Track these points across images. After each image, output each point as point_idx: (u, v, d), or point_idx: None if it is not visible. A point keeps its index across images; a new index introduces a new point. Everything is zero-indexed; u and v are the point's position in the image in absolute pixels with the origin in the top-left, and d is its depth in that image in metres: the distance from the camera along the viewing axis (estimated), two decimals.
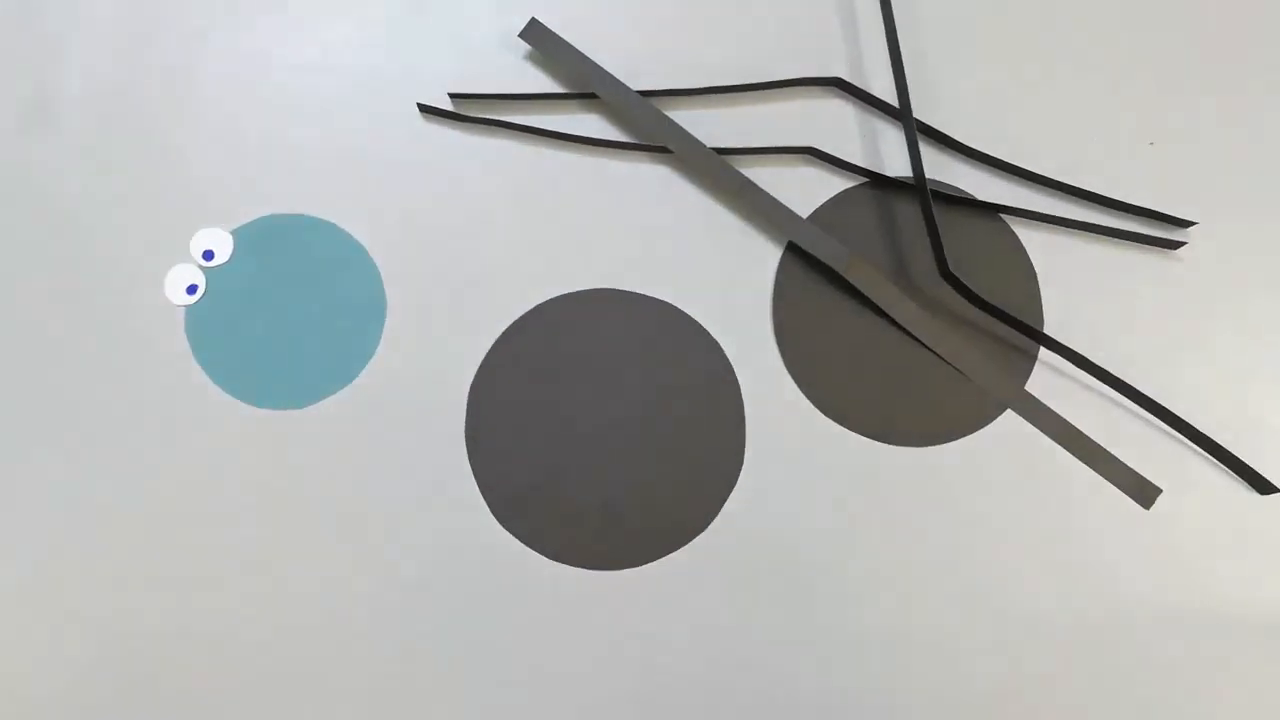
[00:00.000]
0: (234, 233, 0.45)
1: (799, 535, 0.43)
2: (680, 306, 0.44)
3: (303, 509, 0.43)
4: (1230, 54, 0.46)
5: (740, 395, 0.44)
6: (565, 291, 0.45)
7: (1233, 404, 0.44)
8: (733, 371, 0.44)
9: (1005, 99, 0.46)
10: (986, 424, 0.44)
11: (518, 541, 0.43)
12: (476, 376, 0.44)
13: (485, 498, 0.43)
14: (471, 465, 0.43)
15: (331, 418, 0.44)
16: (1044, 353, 0.44)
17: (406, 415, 0.44)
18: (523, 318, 0.44)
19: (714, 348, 0.44)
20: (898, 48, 0.44)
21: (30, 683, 0.42)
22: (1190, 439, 0.43)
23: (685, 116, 0.46)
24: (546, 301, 0.44)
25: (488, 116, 0.45)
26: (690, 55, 0.46)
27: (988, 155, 0.45)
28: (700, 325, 0.44)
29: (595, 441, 0.43)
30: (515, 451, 0.44)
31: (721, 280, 0.45)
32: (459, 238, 0.45)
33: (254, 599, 0.43)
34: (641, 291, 0.45)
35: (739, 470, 0.43)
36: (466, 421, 0.44)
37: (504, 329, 0.44)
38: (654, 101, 0.45)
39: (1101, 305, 0.45)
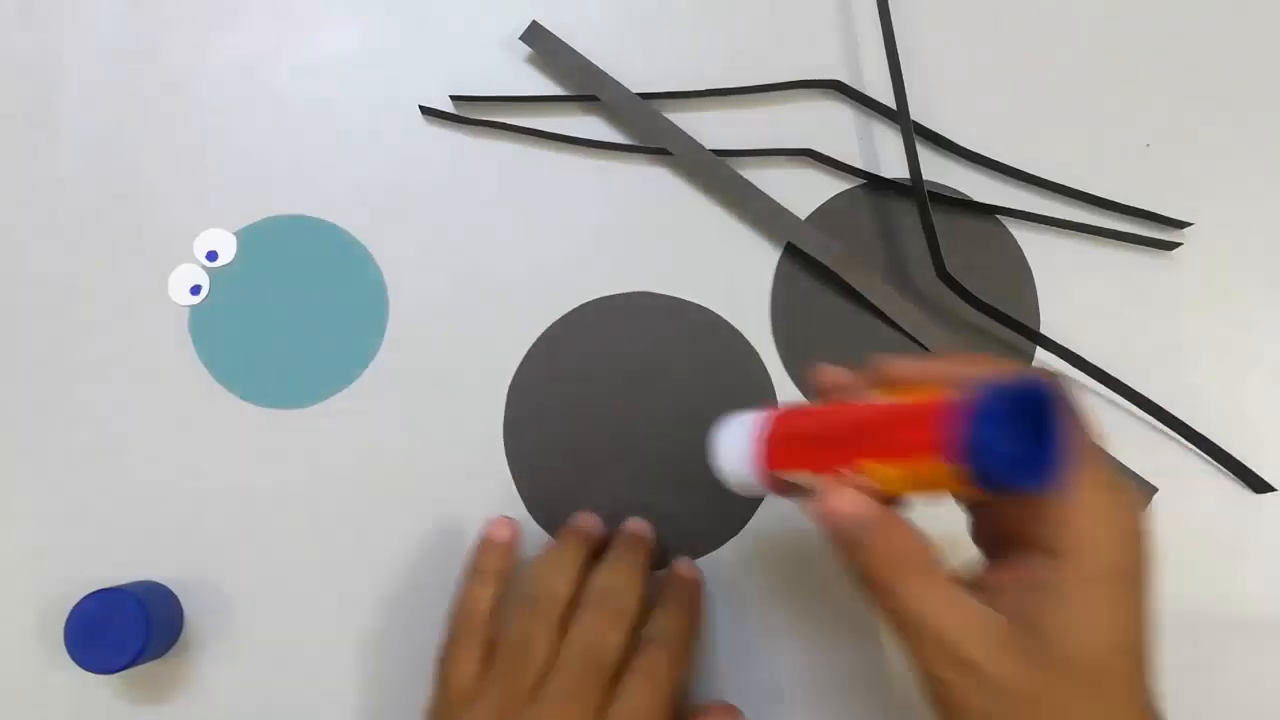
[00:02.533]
0: (237, 233, 0.45)
1: (798, 532, 0.43)
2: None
3: (305, 507, 0.43)
4: (1227, 56, 0.47)
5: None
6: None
7: (1229, 404, 0.44)
8: (767, 373, 0.44)
9: (1002, 101, 0.46)
10: None
11: None
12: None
13: None
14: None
15: (334, 417, 0.44)
16: (1040, 353, 0.44)
17: (408, 415, 0.44)
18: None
19: (751, 354, 0.44)
20: (895, 50, 0.45)
21: (31, 682, 0.42)
22: (1186, 438, 0.44)
23: (685, 119, 0.46)
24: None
25: (488, 118, 0.46)
26: (690, 57, 0.47)
27: (985, 157, 0.45)
28: (729, 328, 0.44)
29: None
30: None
31: (721, 281, 0.45)
32: (460, 239, 0.45)
33: (257, 599, 0.43)
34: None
35: None
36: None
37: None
38: (654, 104, 0.46)
39: (1098, 306, 0.45)
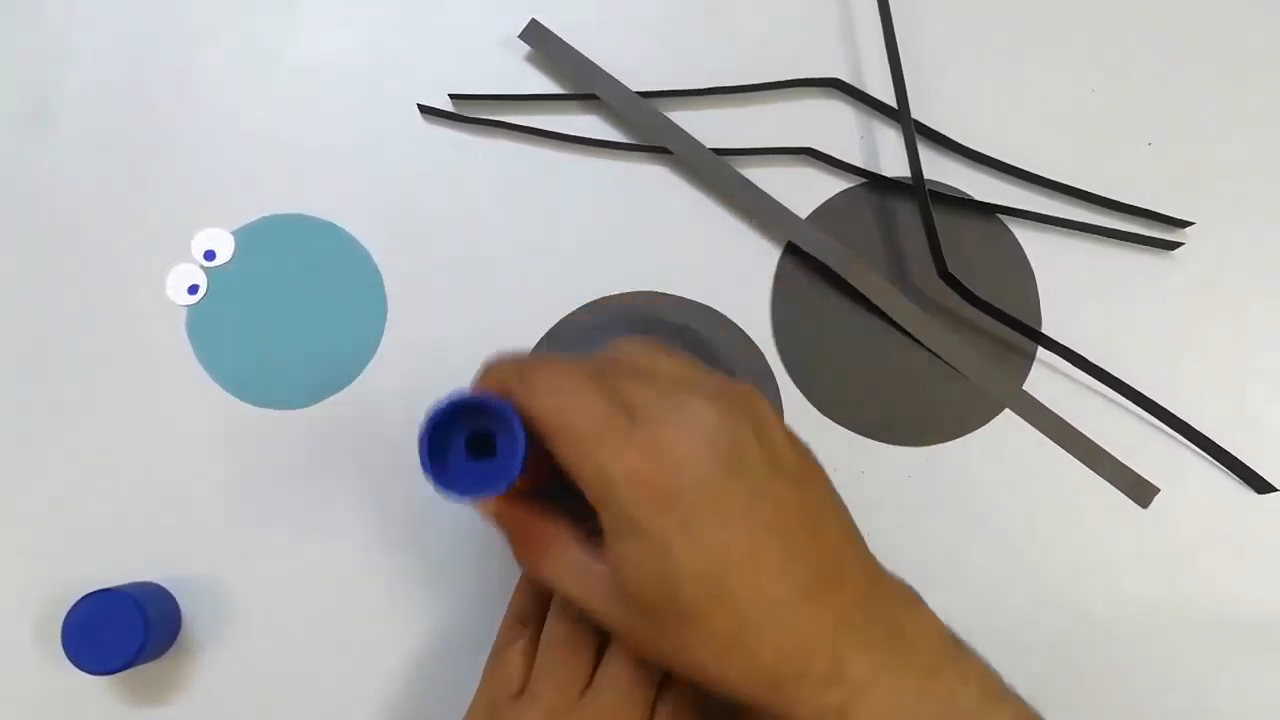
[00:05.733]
0: (235, 233, 0.45)
1: None
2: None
3: (304, 508, 0.43)
4: (1228, 55, 0.47)
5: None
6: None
7: (1230, 403, 0.44)
8: (770, 372, 0.44)
9: (1003, 99, 0.46)
10: (984, 423, 0.44)
11: None
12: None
13: None
14: None
15: (333, 417, 0.44)
16: (1042, 352, 0.44)
17: (408, 415, 0.44)
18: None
19: (754, 352, 0.44)
20: (896, 48, 0.45)
21: (28, 683, 0.42)
22: (1188, 438, 0.44)
23: (684, 117, 0.46)
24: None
25: (488, 117, 0.46)
26: (690, 56, 0.47)
27: (986, 156, 0.45)
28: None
29: None
30: None
31: (721, 281, 0.45)
32: (459, 238, 0.45)
33: (255, 600, 0.43)
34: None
35: None
36: None
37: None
38: (653, 102, 0.46)
39: (1099, 305, 0.45)
